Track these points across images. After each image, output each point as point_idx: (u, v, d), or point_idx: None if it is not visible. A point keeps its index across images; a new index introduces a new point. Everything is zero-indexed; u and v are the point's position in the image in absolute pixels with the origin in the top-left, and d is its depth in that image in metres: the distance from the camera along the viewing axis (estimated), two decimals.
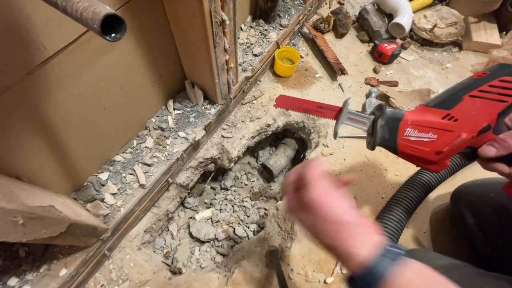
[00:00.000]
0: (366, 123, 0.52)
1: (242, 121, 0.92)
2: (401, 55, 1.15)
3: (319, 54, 1.11)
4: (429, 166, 0.51)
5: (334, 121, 0.54)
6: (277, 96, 0.56)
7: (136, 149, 0.75)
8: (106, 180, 0.69)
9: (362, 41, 1.18)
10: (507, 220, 0.61)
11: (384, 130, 0.49)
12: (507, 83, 0.43)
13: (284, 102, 0.56)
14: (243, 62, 0.91)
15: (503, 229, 0.62)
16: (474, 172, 0.85)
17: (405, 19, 1.09)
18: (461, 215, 0.70)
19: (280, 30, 1.01)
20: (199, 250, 0.90)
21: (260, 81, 1.02)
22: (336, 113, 0.54)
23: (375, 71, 1.09)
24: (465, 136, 0.45)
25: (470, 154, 0.50)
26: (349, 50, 1.16)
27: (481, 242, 0.66)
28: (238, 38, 0.95)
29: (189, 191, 0.93)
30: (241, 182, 1.06)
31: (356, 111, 0.52)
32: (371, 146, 0.51)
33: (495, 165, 0.47)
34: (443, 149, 0.47)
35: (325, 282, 0.69)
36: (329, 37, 1.18)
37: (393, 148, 0.50)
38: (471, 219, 0.68)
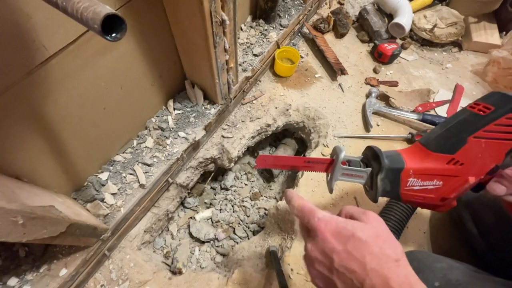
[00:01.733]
0: (363, 177, 0.47)
1: (242, 121, 0.92)
2: (401, 55, 1.15)
3: (319, 54, 1.11)
4: (435, 209, 0.48)
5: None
6: (257, 157, 0.51)
7: (136, 149, 0.75)
8: (106, 180, 0.69)
9: (362, 41, 1.18)
10: (505, 223, 0.61)
11: (385, 183, 0.45)
12: None
13: (265, 162, 0.50)
14: (243, 62, 0.91)
15: (501, 232, 0.61)
16: None
17: (405, 19, 1.09)
18: (460, 216, 0.70)
19: (280, 30, 1.01)
20: (199, 250, 0.90)
21: (260, 81, 1.01)
22: (327, 166, 0.49)
23: (375, 71, 1.09)
24: (473, 180, 0.42)
25: (476, 188, 0.47)
26: (349, 50, 1.16)
27: (479, 244, 0.66)
28: (238, 38, 0.95)
29: (189, 191, 0.93)
30: (241, 182, 1.05)
31: (350, 162, 0.47)
32: (372, 199, 0.47)
33: (502, 197, 0.44)
34: (451, 196, 0.44)
35: None
36: (329, 37, 1.18)
37: (396, 198, 0.46)
38: (470, 220, 0.67)
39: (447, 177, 0.43)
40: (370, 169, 0.46)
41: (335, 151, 0.47)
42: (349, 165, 0.47)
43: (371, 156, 0.47)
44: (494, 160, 0.42)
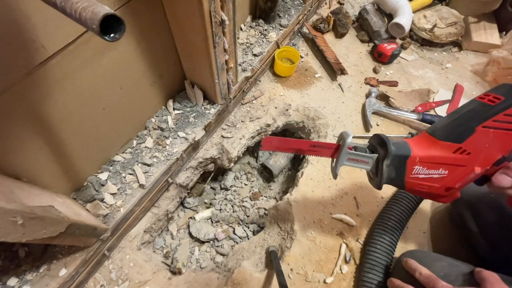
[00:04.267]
0: (368, 163, 0.47)
1: (242, 121, 0.92)
2: (401, 55, 1.15)
3: (319, 54, 1.11)
4: (438, 199, 0.48)
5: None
6: (263, 139, 0.50)
7: (136, 149, 0.75)
8: (106, 180, 0.69)
9: (362, 41, 1.18)
10: (506, 222, 0.61)
11: (390, 170, 0.44)
12: None
13: (271, 144, 0.50)
14: (243, 62, 0.91)
15: (503, 231, 0.61)
16: None
17: (405, 19, 1.09)
18: (461, 215, 0.70)
19: (280, 30, 1.01)
20: (199, 250, 0.90)
21: (260, 81, 1.02)
22: (333, 151, 0.48)
23: (375, 71, 1.09)
24: (479, 171, 0.42)
25: (480, 181, 0.46)
26: (349, 50, 1.16)
27: (480, 243, 0.66)
28: (238, 38, 0.95)
29: (189, 191, 0.93)
30: (241, 182, 1.06)
31: (356, 148, 0.47)
32: (377, 186, 0.47)
33: (505, 191, 0.44)
34: (455, 185, 0.43)
35: (325, 282, 0.69)
36: (329, 37, 1.18)
37: (400, 185, 0.46)
38: (471, 220, 0.67)
39: (453, 166, 0.42)
40: (376, 155, 0.46)
41: (342, 136, 0.47)
42: (355, 151, 0.47)
43: (378, 143, 0.47)
44: (501, 151, 0.41)
